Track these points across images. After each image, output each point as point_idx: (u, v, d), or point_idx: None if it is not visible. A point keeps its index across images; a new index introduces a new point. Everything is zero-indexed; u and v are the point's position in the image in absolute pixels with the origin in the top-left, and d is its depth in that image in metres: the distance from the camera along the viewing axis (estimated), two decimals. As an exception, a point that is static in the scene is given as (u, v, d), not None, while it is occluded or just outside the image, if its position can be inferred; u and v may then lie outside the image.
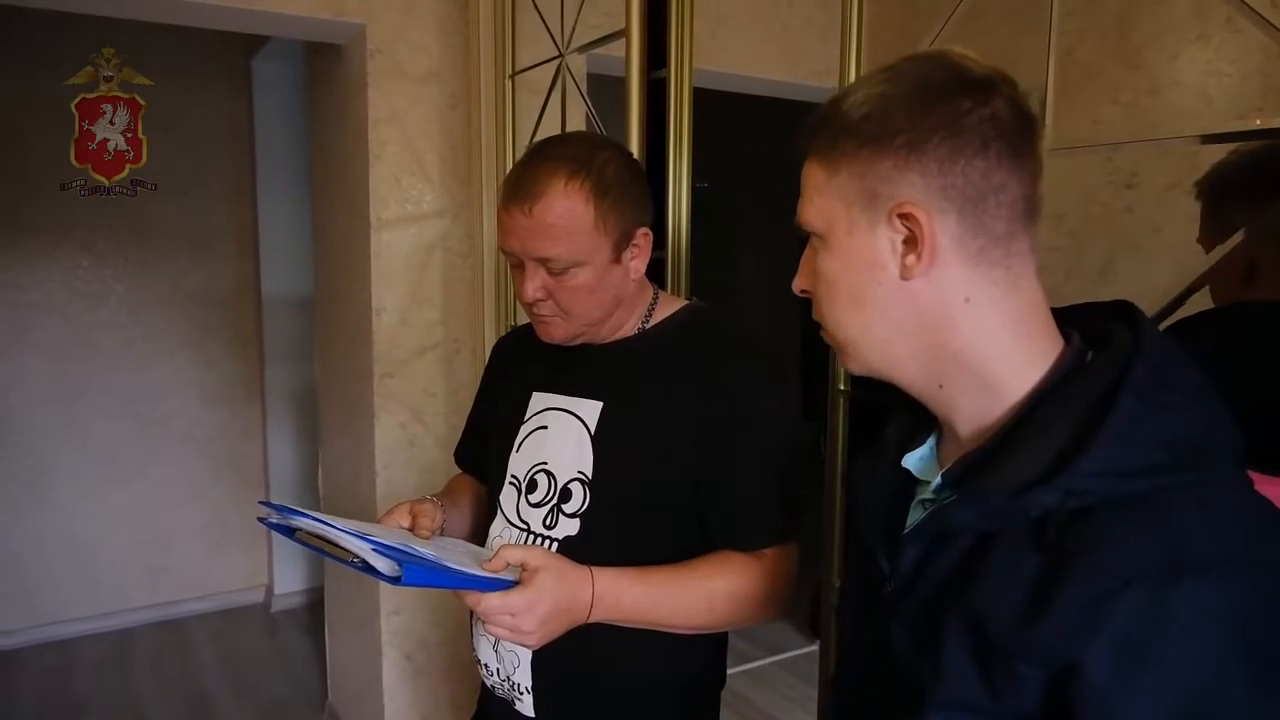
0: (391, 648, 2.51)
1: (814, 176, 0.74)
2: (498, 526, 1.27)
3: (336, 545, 0.99)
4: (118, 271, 3.87)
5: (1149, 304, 1.00)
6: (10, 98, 3.51)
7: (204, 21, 2.24)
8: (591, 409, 1.22)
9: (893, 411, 0.85)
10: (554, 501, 1.21)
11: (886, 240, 0.70)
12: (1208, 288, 1.16)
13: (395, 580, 0.93)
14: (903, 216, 0.68)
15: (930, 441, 0.80)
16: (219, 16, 2.18)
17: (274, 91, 3.92)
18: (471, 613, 1.22)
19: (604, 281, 1.16)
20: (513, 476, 1.27)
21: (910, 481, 0.81)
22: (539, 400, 1.28)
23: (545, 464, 1.23)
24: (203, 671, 3.63)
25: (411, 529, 1.21)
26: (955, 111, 0.67)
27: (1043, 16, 1.17)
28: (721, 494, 1.17)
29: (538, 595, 1.02)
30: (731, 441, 1.16)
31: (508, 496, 1.27)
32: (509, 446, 1.29)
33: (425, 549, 1.05)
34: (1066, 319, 0.74)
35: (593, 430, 1.20)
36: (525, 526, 1.23)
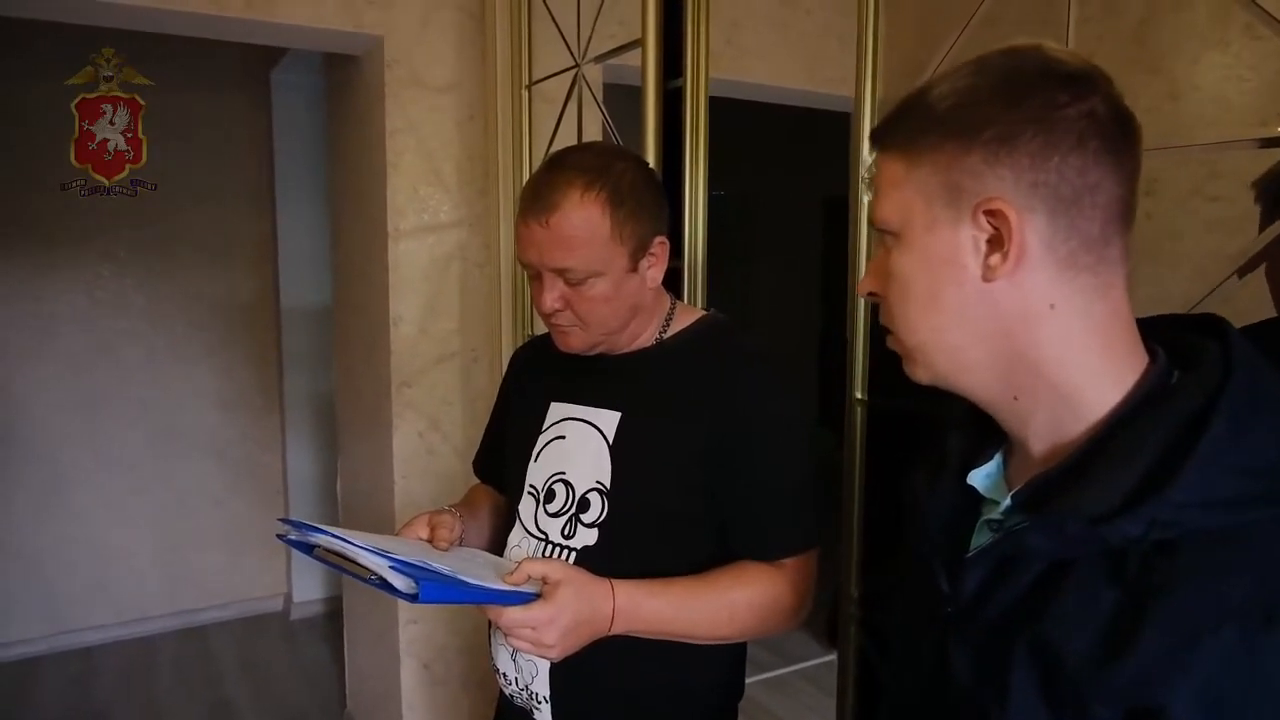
0: (410, 656, 2.51)
1: (891, 170, 0.70)
2: (516, 536, 1.27)
3: (354, 562, 0.99)
4: (138, 281, 3.90)
5: (1168, 310, 0.98)
6: (13, 99, 3.52)
7: (225, 34, 2.26)
8: (610, 419, 1.22)
9: (954, 425, 0.80)
10: (572, 511, 1.21)
11: (969, 238, 0.66)
12: (1271, 296, 1.13)
13: (413, 598, 0.93)
14: (989, 214, 0.64)
15: (997, 458, 0.76)
16: (240, 29, 2.21)
17: (293, 102, 3.95)
18: (490, 622, 1.23)
19: (621, 291, 1.16)
20: (531, 486, 1.27)
21: (973, 498, 0.76)
22: (557, 410, 1.28)
23: (563, 474, 1.23)
24: (222, 679, 3.64)
25: (430, 540, 1.21)
26: (1049, 105, 0.62)
27: (1060, 21, 1.15)
28: (739, 504, 1.17)
29: (559, 608, 1.02)
30: (748, 452, 1.16)
31: (526, 506, 1.27)
32: (527, 456, 1.29)
33: (444, 561, 1.05)
34: (1148, 330, 0.69)
35: (611, 440, 1.20)
36: (543, 536, 1.23)
